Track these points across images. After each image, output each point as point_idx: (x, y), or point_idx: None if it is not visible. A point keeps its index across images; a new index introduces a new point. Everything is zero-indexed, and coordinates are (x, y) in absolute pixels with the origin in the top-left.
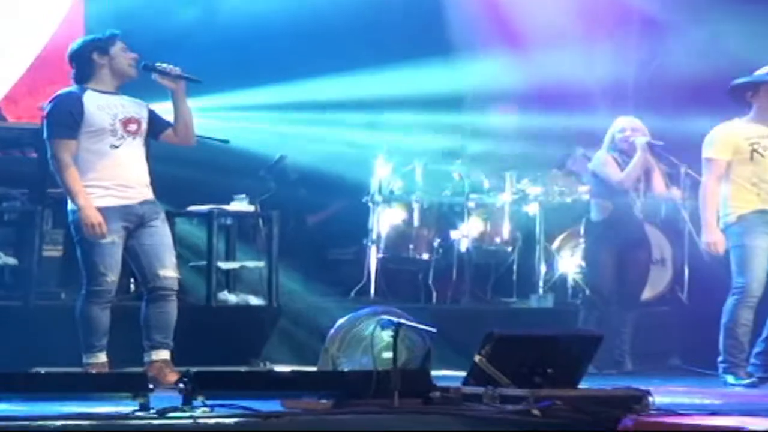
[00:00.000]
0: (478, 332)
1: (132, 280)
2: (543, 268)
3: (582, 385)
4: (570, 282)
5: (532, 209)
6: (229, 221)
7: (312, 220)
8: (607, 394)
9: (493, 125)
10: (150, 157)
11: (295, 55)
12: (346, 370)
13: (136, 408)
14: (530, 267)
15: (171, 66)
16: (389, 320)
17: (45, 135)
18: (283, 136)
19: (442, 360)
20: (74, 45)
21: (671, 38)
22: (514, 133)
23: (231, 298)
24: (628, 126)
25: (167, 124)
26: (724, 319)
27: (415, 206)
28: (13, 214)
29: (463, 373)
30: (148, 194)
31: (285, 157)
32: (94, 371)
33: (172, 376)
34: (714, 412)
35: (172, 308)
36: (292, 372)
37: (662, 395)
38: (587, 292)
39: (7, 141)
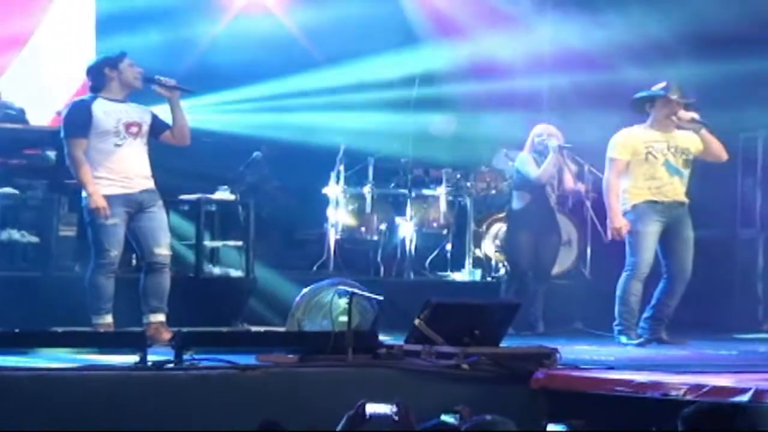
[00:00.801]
0: (418, 301)
1: (133, 255)
2: (472, 248)
3: (503, 344)
4: (494, 259)
5: (464, 199)
6: (214, 207)
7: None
8: (523, 351)
9: (434, 130)
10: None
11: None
12: (309, 330)
13: (137, 360)
14: (462, 247)
15: (167, 78)
16: (345, 290)
17: (62, 135)
18: (259, 128)
19: (388, 323)
20: (90, 61)
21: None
22: (451, 138)
23: (215, 270)
24: (544, 131)
25: (166, 126)
26: (618, 291)
27: (367, 196)
28: (35, 201)
29: (405, 334)
30: (148, 184)
31: (260, 154)
32: (101, 330)
33: (167, 335)
34: (610, 367)
35: (165, 279)
36: (265, 332)
37: (568, 353)
38: (508, 267)
39: (31, 141)
